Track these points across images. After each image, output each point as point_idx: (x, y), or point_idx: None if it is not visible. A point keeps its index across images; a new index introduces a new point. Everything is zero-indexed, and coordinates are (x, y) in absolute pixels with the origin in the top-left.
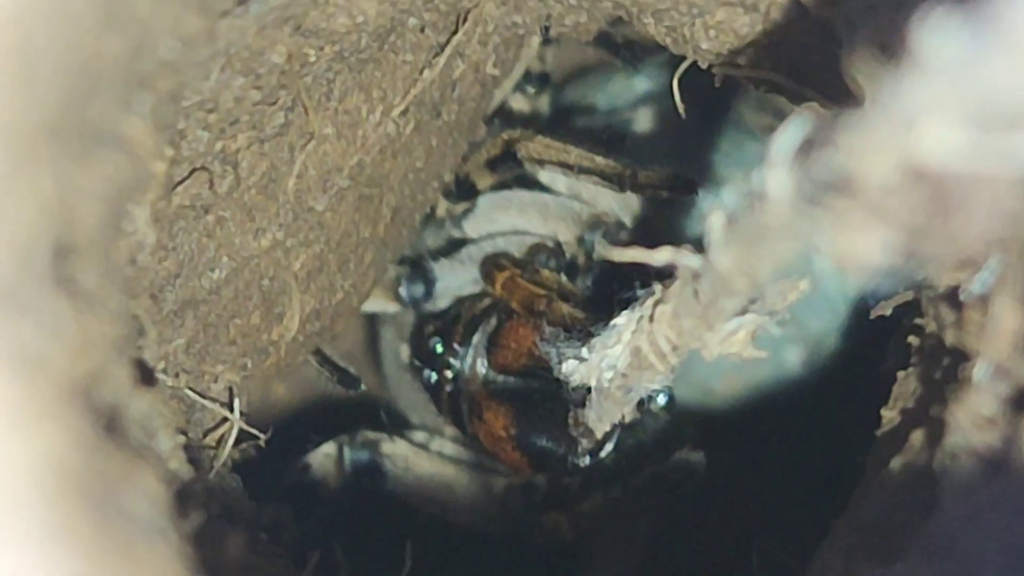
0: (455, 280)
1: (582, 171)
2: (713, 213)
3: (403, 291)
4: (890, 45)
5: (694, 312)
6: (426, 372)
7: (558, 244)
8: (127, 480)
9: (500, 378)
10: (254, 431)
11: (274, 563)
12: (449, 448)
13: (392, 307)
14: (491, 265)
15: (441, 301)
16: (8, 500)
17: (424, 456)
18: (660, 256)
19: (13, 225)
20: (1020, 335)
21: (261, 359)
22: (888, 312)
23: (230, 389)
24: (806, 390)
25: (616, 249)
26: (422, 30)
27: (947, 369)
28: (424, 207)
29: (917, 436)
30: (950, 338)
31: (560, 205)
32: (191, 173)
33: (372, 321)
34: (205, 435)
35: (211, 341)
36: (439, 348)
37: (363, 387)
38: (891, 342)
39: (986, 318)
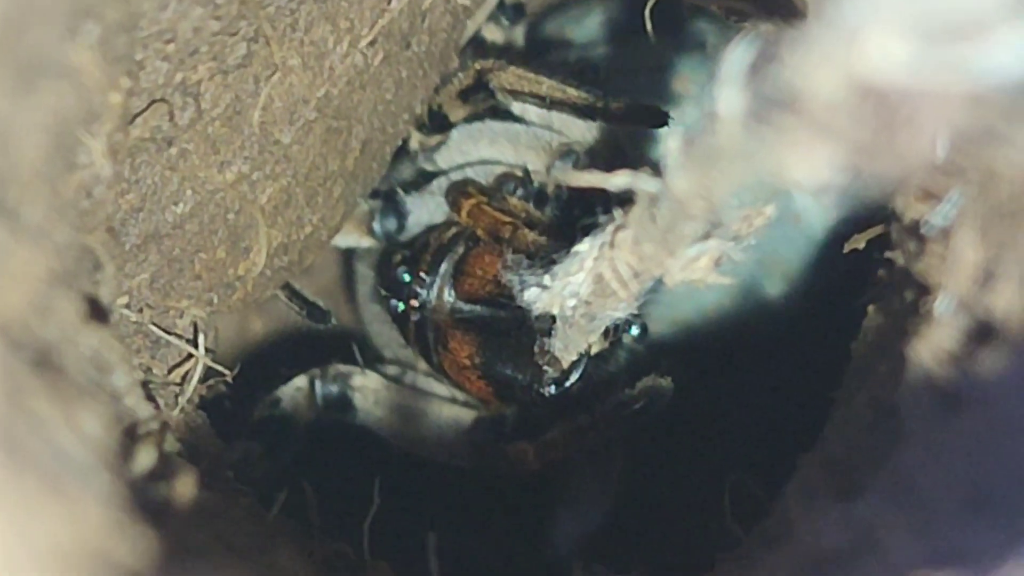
0: (427, 213)
1: (554, 103)
2: (670, 136)
3: (376, 225)
4: None
5: (654, 237)
6: (392, 302)
7: (527, 172)
8: (61, 420)
9: (466, 307)
10: (220, 368)
11: (238, 501)
12: (422, 382)
13: (366, 241)
14: (457, 193)
15: (414, 234)
16: None
17: (395, 389)
18: (617, 180)
19: None
20: (981, 269)
21: (228, 294)
22: (861, 246)
23: (195, 325)
24: (781, 324)
25: (574, 172)
26: None
27: (911, 302)
28: (395, 140)
29: (882, 370)
30: (913, 271)
31: (531, 135)
32: (150, 105)
33: (348, 256)
34: (170, 371)
35: (175, 276)
36: (406, 277)
37: (333, 321)
38: (867, 276)
39: (947, 251)
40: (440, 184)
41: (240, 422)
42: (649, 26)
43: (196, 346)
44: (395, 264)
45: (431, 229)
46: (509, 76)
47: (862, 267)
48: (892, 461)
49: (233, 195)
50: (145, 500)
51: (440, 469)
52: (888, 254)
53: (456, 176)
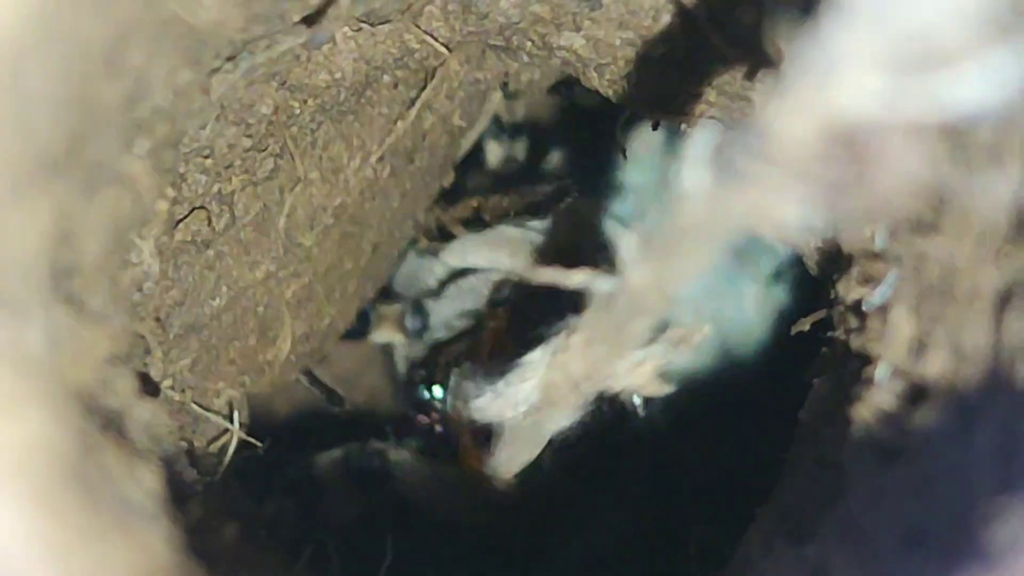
0: (444, 313)
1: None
2: (625, 235)
3: (408, 323)
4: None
5: (606, 337)
6: (419, 416)
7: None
8: (126, 473)
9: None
10: (253, 440)
11: (269, 555)
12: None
13: (399, 338)
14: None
15: (437, 332)
16: None
17: (426, 462)
18: (575, 278)
19: (14, 246)
20: (915, 340)
21: (258, 376)
22: (806, 328)
23: (230, 403)
24: (737, 399)
25: (536, 269)
26: (395, 86)
27: (853, 372)
28: (401, 243)
29: (827, 433)
30: (855, 344)
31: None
32: (191, 212)
33: (389, 351)
34: (209, 444)
35: (213, 361)
36: (425, 394)
37: (346, 406)
38: (810, 356)
39: (885, 326)
40: (454, 287)
41: (275, 483)
42: (621, 143)
43: (232, 421)
44: (417, 382)
45: (441, 345)
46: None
47: (807, 346)
48: (838, 508)
49: (262, 291)
50: (197, 546)
51: (475, 531)
52: (831, 334)
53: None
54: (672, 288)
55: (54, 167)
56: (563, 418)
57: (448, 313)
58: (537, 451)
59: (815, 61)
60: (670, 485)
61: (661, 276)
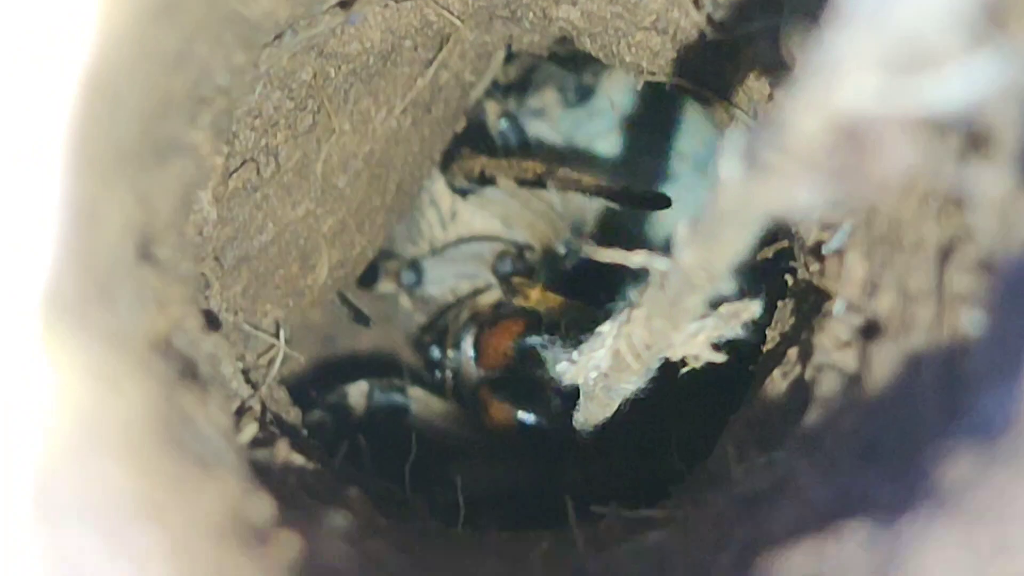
0: (439, 273)
1: (565, 186)
2: (679, 223)
3: (403, 277)
4: (817, 13)
5: (663, 311)
6: (434, 371)
7: (520, 248)
8: (201, 414)
9: (488, 373)
10: (295, 354)
11: (312, 454)
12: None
13: (395, 288)
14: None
15: (431, 288)
16: (105, 450)
17: (439, 399)
18: (636, 258)
19: (106, 231)
20: (867, 282)
21: (299, 299)
22: (770, 255)
23: (276, 322)
24: None
25: (600, 250)
26: (415, 49)
27: (813, 304)
28: (421, 181)
29: (793, 353)
30: (815, 281)
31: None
32: (242, 163)
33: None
34: (258, 357)
35: (261, 287)
36: (437, 354)
37: (372, 324)
38: (773, 279)
39: (841, 267)
40: (455, 250)
41: (315, 400)
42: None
43: (278, 338)
44: (426, 344)
45: (447, 309)
46: (506, 169)
47: (772, 273)
48: (802, 424)
49: (303, 226)
50: (255, 465)
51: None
52: (792, 263)
53: (466, 247)
54: (717, 267)
55: (130, 153)
56: (630, 383)
57: (447, 273)
58: (610, 411)
59: (822, 64)
60: (654, 390)
61: (706, 257)
